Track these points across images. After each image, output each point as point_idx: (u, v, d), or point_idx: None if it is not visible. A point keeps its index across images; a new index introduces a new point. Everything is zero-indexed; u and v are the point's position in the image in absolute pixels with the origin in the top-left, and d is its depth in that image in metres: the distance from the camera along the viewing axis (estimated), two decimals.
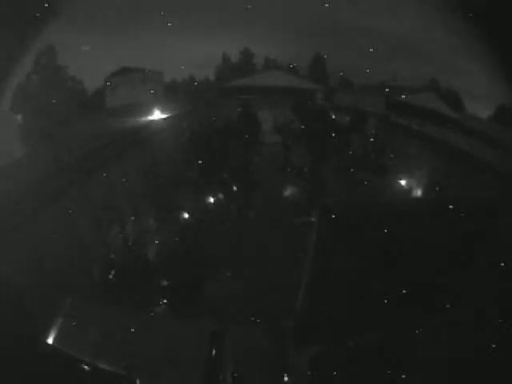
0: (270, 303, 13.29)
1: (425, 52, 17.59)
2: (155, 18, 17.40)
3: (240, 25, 17.82)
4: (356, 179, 17.40)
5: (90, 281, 14.75)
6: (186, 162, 17.31)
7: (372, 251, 11.95)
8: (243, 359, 11.82)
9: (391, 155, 17.59)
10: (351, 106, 19.05)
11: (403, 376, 11.31)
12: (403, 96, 19.32)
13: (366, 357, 11.38)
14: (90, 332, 12.03)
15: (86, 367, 11.55)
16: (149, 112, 19.26)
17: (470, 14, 15.03)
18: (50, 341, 12.33)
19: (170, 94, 19.93)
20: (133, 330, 12.36)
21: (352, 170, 17.61)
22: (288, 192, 17.61)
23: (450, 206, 12.52)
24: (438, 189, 16.61)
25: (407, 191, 17.37)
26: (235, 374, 11.66)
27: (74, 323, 12.53)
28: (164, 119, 19.20)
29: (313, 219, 12.71)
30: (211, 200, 17.15)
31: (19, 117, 18.26)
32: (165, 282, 15.05)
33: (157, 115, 19.29)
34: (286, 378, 11.88)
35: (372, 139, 18.22)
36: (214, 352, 11.76)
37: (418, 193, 17.35)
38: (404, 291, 11.90)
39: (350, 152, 18.18)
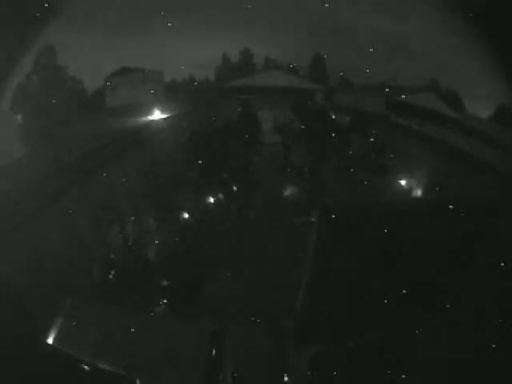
0: (269, 303, 13.29)
1: (425, 52, 17.59)
2: (155, 17, 17.40)
3: (240, 25, 17.83)
4: (356, 179, 17.39)
5: (90, 281, 14.75)
6: (185, 161, 17.30)
7: (372, 251, 11.95)
8: (243, 359, 11.82)
9: (391, 155, 17.59)
10: (351, 106, 19.05)
11: (403, 376, 11.31)
12: (403, 96, 19.32)
13: (365, 357, 11.38)
14: (90, 332, 12.03)
15: (85, 367, 11.55)
16: (149, 112, 19.26)
17: (470, 14, 15.03)
18: (50, 341, 12.33)
19: (169, 94, 19.92)
20: (133, 330, 12.36)
21: (352, 169, 17.60)
22: (288, 192, 17.61)
23: (450, 206, 12.52)
24: (438, 189, 16.61)
25: (407, 191, 17.37)
26: (235, 374, 11.66)
27: (73, 323, 12.53)
28: (164, 119, 19.20)
29: (313, 219, 12.71)
30: (211, 200, 17.14)
31: (19, 117, 18.26)
32: (165, 282, 15.05)
33: (157, 115, 19.29)
34: (286, 378, 11.88)
35: (372, 139, 18.21)
36: (213, 352, 11.76)
37: (418, 193, 17.35)
38: (404, 291, 11.90)
39: (350, 152, 18.17)
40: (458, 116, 18.83)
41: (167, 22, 17.30)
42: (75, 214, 15.22)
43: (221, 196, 17.19)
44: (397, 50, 17.62)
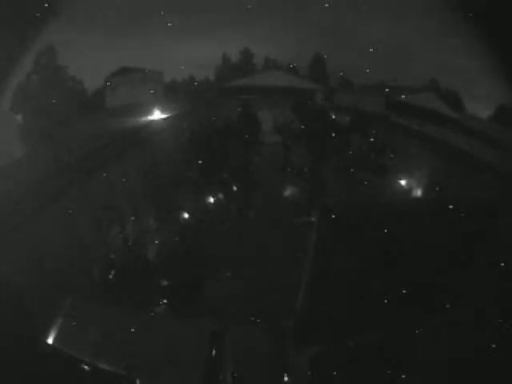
0: (270, 303, 13.29)
1: (425, 52, 17.60)
2: (155, 17, 17.42)
3: (240, 25, 17.84)
4: (356, 179, 17.41)
5: (90, 281, 14.76)
6: (186, 161, 17.31)
7: (372, 251, 11.95)
8: (243, 359, 11.81)
9: (391, 155, 17.60)
10: (351, 106, 19.07)
11: (403, 376, 11.31)
12: (403, 96, 19.33)
13: (365, 357, 11.38)
14: (90, 332, 12.03)
15: (86, 367, 11.55)
16: (149, 112, 19.28)
17: (470, 14, 15.03)
18: (50, 341, 12.33)
19: (169, 93, 19.95)
20: (133, 330, 12.36)
21: (352, 169, 17.62)
22: (288, 192, 17.62)
23: (450, 206, 12.51)
24: (438, 189, 16.62)
25: (407, 191, 17.38)
26: (235, 374, 11.66)
27: (74, 323, 12.52)
28: (164, 119, 19.22)
29: (313, 219, 12.70)
30: (211, 200, 17.15)
31: (19, 117, 18.27)
32: (165, 282, 15.05)
33: (157, 115, 19.31)
34: (286, 378, 11.87)
35: (372, 139, 18.22)
36: (214, 352, 11.76)
37: (418, 193, 17.37)
38: (404, 291, 11.89)
39: (350, 152, 18.19)
40: (458, 116, 18.85)
41: (167, 22, 17.33)
42: (75, 213, 15.23)
43: (221, 196, 17.21)
44: (397, 50, 17.63)
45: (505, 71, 15.02)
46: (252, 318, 13.21)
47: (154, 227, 16.37)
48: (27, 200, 15.48)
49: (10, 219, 14.51)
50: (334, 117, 18.96)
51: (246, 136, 18.05)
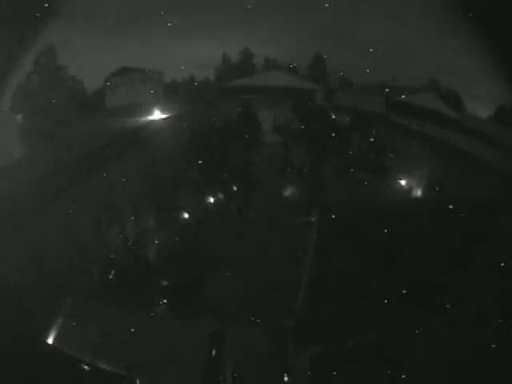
0: (270, 303, 13.29)
1: (425, 52, 17.60)
2: (155, 17, 17.42)
3: (240, 25, 17.84)
4: (356, 179, 17.41)
5: (90, 281, 14.76)
6: (186, 161, 17.31)
7: (372, 251, 11.95)
8: (243, 359, 11.81)
9: (391, 155, 17.60)
10: (351, 106, 19.07)
11: (403, 376, 11.31)
12: (403, 96, 19.33)
13: (366, 357, 11.38)
14: (90, 332, 12.03)
15: (86, 367, 11.55)
16: (149, 112, 19.28)
17: (470, 14, 15.03)
18: (50, 341, 12.33)
19: (169, 93, 19.95)
20: (133, 330, 12.36)
21: (352, 169, 17.62)
22: (288, 192, 17.62)
23: (450, 206, 12.51)
24: (438, 189, 16.62)
25: (407, 191, 17.38)
26: (235, 374, 11.66)
27: (74, 323, 12.52)
28: (164, 119, 19.22)
29: (313, 219, 12.70)
30: (211, 200, 17.15)
31: (19, 117, 18.27)
32: (165, 282, 15.05)
33: (157, 115, 19.31)
34: (286, 378, 11.87)
35: (372, 139, 18.22)
36: (214, 352, 11.76)
37: (418, 193, 17.36)
38: (404, 291, 11.89)
39: (350, 152, 18.19)
40: (458, 116, 18.85)
41: (167, 21, 17.33)
42: (75, 213, 15.23)
43: (221, 196, 17.21)
44: (397, 50, 17.64)
45: (505, 71, 15.02)
46: (252, 318, 13.21)
47: (154, 227, 16.37)
48: (27, 200, 15.48)
49: (9, 219, 14.51)
50: (334, 117, 18.96)
51: (246, 136, 18.05)
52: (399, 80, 18.54)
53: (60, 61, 18.28)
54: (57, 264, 13.93)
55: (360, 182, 17.26)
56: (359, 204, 14.65)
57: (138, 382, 11.50)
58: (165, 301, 14.65)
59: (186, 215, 16.59)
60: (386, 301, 11.80)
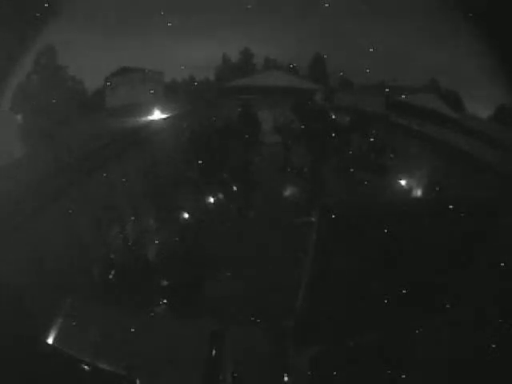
0: (270, 303, 13.29)
1: (425, 52, 17.59)
2: (155, 17, 17.41)
3: (240, 25, 17.84)
4: (356, 179, 17.41)
5: (90, 281, 14.76)
6: (186, 161, 17.31)
7: (372, 251, 11.95)
8: (243, 359, 11.81)
9: (391, 155, 17.60)
10: (351, 106, 19.06)
11: (403, 376, 11.31)
12: (403, 96, 19.33)
13: (366, 357, 11.38)
14: (90, 332, 12.03)
15: (86, 367, 11.55)
16: (149, 112, 19.27)
17: (470, 14, 15.03)
18: (50, 341, 12.33)
19: (169, 93, 19.94)
20: (133, 330, 12.36)
21: (352, 169, 17.62)
22: (288, 192, 17.62)
23: (450, 206, 12.51)
24: (438, 189, 16.62)
25: (407, 191, 17.38)
26: (235, 374, 11.66)
27: (74, 323, 12.53)
28: (164, 119, 19.21)
29: (313, 219, 12.70)
30: (211, 200, 17.15)
31: (19, 117, 18.27)
32: (165, 282, 15.05)
33: (157, 115, 19.31)
34: (286, 378, 11.87)
35: (372, 139, 18.22)
36: (214, 352, 11.76)
37: (418, 193, 17.36)
38: (404, 291, 11.89)
39: (350, 152, 18.18)
40: (458, 116, 18.85)
41: (167, 21, 17.32)
42: (75, 213, 15.23)
43: (221, 196, 17.20)
44: (397, 51, 17.64)
45: (505, 71, 15.02)
46: (252, 318, 13.21)
47: (154, 227, 16.37)
48: (27, 200, 15.48)
49: (9, 219, 14.51)
50: (334, 117, 18.96)
51: (246, 136, 18.05)
52: (399, 80, 18.54)
53: (60, 61, 18.28)
54: (57, 264, 13.93)
55: (360, 181, 17.26)
56: (359, 204, 14.65)
57: (137, 382, 11.51)
58: (165, 301, 14.66)
59: (186, 215, 16.59)
60: (385, 301, 11.80)
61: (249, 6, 17.45)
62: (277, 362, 11.97)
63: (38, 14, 15.64)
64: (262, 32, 18.15)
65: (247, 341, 12.28)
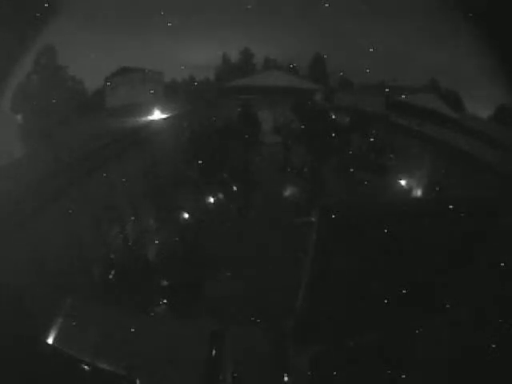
0: (270, 303, 13.29)
1: (425, 52, 17.60)
2: (155, 17, 17.41)
3: (240, 25, 17.84)
4: (356, 179, 17.41)
5: (90, 281, 14.75)
6: (186, 162, 17.32)
7: (372, 251, 11.94)
8: (243, 359, 11.81)
9: (391, 155, 17.61)
10: (351, 106, 19.07)
11: (403, 376, 11.31)
12: (403, 96, 19.33)
13: (365, 357, 11.38)
14: (90, 332, 12.04)
15: (86, 367, 11.55)
16: (149, 112, 19.27)
17: (470, 14, 15.03)
18: (50, 341, 12.32)
19: (169, 94, 19.95)
20: (133, 330, 12.35)
21: (352, 169, 17.62)
22: (288, 192, 17.62)
23: (450, 206, 12.51)
24: (438, 189, 16.63)
25: (407, 191, 17.39)
26: (235, 374, 11.66)
27: (74, 323, 12.52)
28: (164, 119, 19.21)
29: (313, 219, 12.69)
30: (211, 200, 17.16)
31: (19, 117, 18.27)
32: (165, 282, 15.05)
33: (157, 115, 19.31)
34: (285, 378, 11.87)
35: (372, 139, 18.22)
36: (214, 352, 11.75)
37: (418, 193, 17.37)
38: (404, 291, 11.89)
39: (350, 152, 18.19)
40: (458, 116, 18.85)
41: (167, 22, 17.32)
42: (75, 214, 15.22)
43: (221, 196, 17.21)
44: (397, 51, 17.64)
45: (505, 71, 15.01)
46: (252, 318, 13.20)
47: (154, 227, 16.37)
48: (27, 200, 15.47)
49: (10, 219, 14.50)
50: (334, 117, 18.97)
51: (246, 136, 18.06)
52: (399, 80, 18.55)
53: (60, 61, 18.29)
54: (57, 264, 13.92)
55: (360, 181, 17.27)
56: (359, 204, 14.64)
57: (137, 382, 11.50)
58: (165, 301, 14.66)
59: (186, 215, 16.59)
60: (386, 301, 11.79)
61: (249, 6, 17.46)
62: (277, 362, 11.96)
63: (38, 14, 15.64)
64: (262, 32, 18.17)
65: (247, 341, 12.27)
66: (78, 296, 13.25)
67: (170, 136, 18.12)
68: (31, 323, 11.84)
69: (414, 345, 11.61)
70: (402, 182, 17.35)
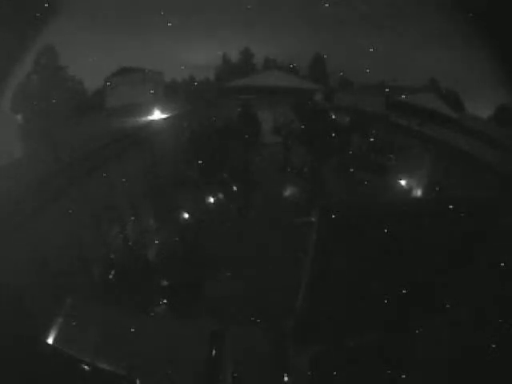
0: (270, 303, 13.29)
1: (425, 52, 17.61)
2: (155, 17, 17.43)
3: (240, 25, 17.86)
4: (356, 179, 17.42)
5: (90, 281, 14.76)
6: (185, 162, 17.33)
7: (372, 251, 11.94)
8: (243, 359, 11.81)
9: (391, 155, 17.61)
10: (351, 106, 19.08)
11: (403, 376, 11.31)
12: (403, 96, 19.34)
13: (366, 357, 11.37)
14: (90, 332, 12.03)
15: (86, 367, 11.55)
16: (149, 112, 19.28)
17: (470, 14, 15.03)
18: (50, 341, 12.32)
19: (170, 93, 19.96)
20: (133, 330, 12.35)
21: (352, 169, 17.62)
22: (288, 192, 17.63)
23: (450, 206, 12.51)
24: (438, 189, 16.63)
25: (407, 191, 17.39)
26: (235, 374, 11.66)
27: (74, 323, 12.52)
28: (164, 119, 19.22)
29: (313, 219, 12.69)
30: (211, 200, 17.16)
31: (19, 117, 18.27)
32: (165, 282, 15.05)
33: (157, 115, 19.31)
34: (285, 378, 11.87)
35: (372, 139, 18.23)
36: (214, 352, 11.75)
37: (418, 193, 17.37)
38: (404, 291, 11.89)
39: (350, 152, 18.20)
40: (458, 116, 18.85)
41: (167, 21, 17.33)
42: (75, 214, 15.22)
43: (221, 196, 17.22)
44: (397, 50, 17.65)
45: (505, 71, 15.02)
46: (252, 318, 13.21)
47: (154, 227, 16.39)
48: (27, 200, 15.46)
49: (10, 219, 14.49)
50: (334, 117, 18.98)
51: (246, 136, 18.06)
52: (399, 80, 18.56)
53: (60, 61, 18.30)
54: (57, 264, 13.91)
55: (360, 181, 17.28)
56: (359, 204, 14.63)
57: (137, 382, 11.50)
58: (165, 301, 14.66)
59: (186, 215, 16.59)
60: (386, 301, 11.79)
61: (249, 6, 17.47)
62: (277, 362, 11.96)
63: (38, 14, 15.64)
64: (261, 32, 18.18)
65: (247, 341, 12.27)
66: (78, 296, 13.25)
67: (170, 136, 18.13)
68: (31, 323, 11.84)
69: (413, 345, 11.61)
70: (402, 182, 17.36)
